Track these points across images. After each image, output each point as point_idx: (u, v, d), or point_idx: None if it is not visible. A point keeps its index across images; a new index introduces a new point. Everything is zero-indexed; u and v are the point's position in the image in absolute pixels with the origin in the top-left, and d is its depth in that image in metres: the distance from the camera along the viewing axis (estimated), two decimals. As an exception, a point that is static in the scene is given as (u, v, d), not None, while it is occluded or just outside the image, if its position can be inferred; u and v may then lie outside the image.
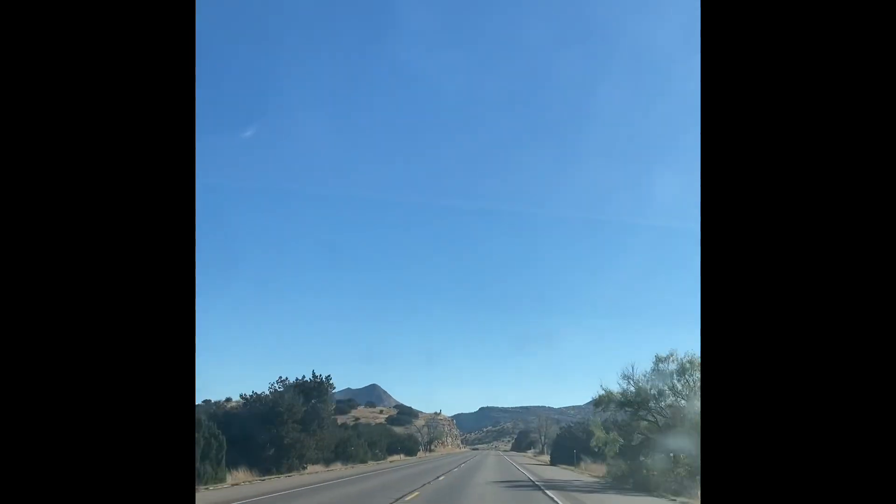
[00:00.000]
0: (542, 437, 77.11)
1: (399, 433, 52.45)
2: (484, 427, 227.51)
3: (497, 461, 51.51)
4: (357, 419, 72.10)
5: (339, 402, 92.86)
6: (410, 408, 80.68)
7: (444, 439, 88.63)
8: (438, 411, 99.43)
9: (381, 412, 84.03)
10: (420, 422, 71.04)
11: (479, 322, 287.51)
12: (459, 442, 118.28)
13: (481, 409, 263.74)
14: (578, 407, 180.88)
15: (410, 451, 52.41)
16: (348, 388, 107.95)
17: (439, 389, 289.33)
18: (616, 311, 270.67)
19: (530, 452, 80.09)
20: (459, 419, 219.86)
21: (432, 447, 69.98)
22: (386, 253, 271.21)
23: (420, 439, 66.71)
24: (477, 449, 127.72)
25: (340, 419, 70.83)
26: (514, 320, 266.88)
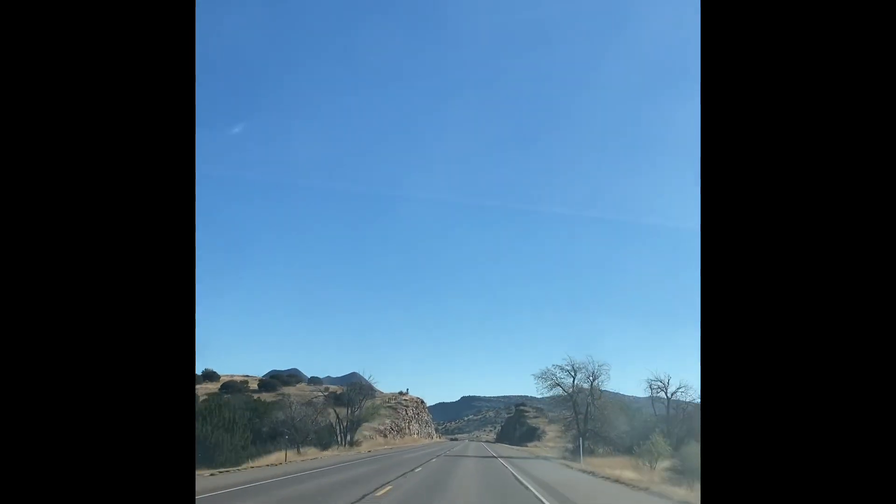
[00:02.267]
0: (579, 424, 42.70)
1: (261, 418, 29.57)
2: (465, 416, 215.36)
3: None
4: (285, 396, 56.27)
5: (271, 375, 77.72)
6: (370, 386, 64.41)
7: (405, 426, 72.47)
8: (405, 390, 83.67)
9: (325, 389, 68.13)
10: (369, 403, 51.76)
11: (463, 314, 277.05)
12: (433, 430, 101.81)
13: (463, 398, 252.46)
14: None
15: (267, 450, 28.90)
16: (329, 376, 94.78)
17: (421, 378, 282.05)
18: (609, 309, 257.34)
19: (538, 448, 53.89)
20: (441, 408, 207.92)
21: (355, 439, 45.97)
22: (373, 245, 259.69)
23: (338, 428, 44.28)
24: (456, 439, 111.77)
25: (263, 397, 55.81)
26: (505, 315, 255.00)
